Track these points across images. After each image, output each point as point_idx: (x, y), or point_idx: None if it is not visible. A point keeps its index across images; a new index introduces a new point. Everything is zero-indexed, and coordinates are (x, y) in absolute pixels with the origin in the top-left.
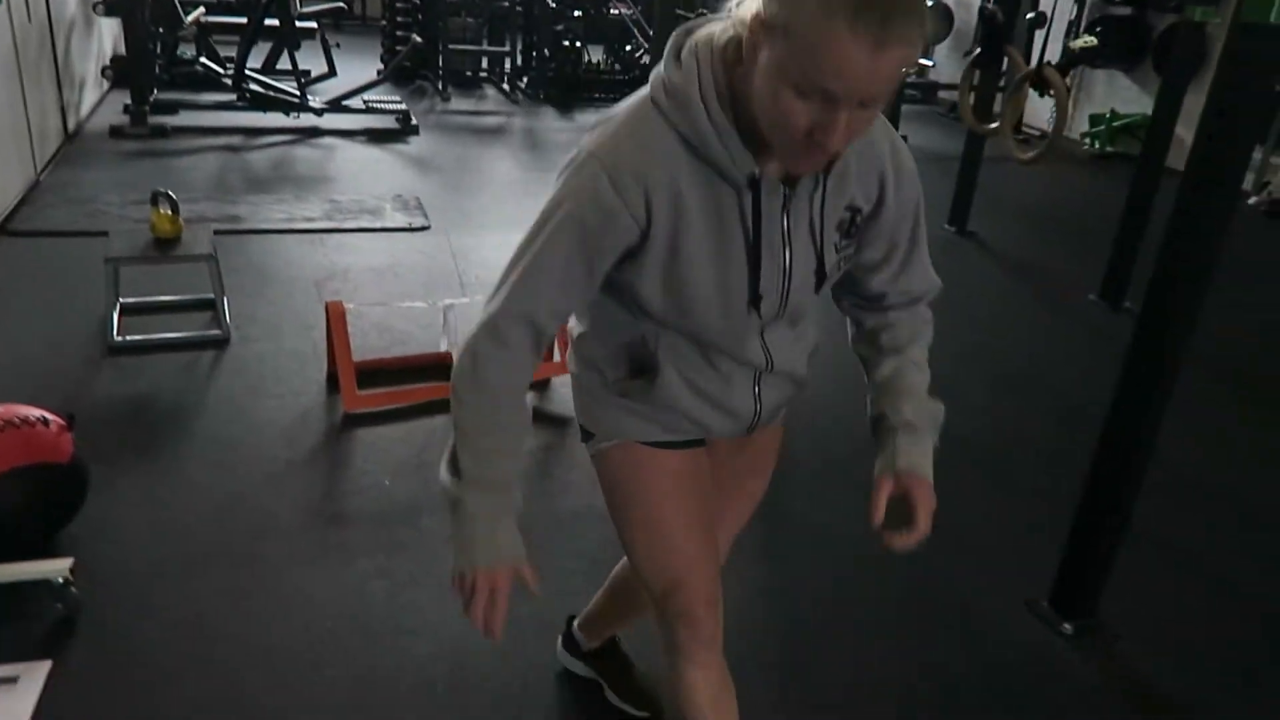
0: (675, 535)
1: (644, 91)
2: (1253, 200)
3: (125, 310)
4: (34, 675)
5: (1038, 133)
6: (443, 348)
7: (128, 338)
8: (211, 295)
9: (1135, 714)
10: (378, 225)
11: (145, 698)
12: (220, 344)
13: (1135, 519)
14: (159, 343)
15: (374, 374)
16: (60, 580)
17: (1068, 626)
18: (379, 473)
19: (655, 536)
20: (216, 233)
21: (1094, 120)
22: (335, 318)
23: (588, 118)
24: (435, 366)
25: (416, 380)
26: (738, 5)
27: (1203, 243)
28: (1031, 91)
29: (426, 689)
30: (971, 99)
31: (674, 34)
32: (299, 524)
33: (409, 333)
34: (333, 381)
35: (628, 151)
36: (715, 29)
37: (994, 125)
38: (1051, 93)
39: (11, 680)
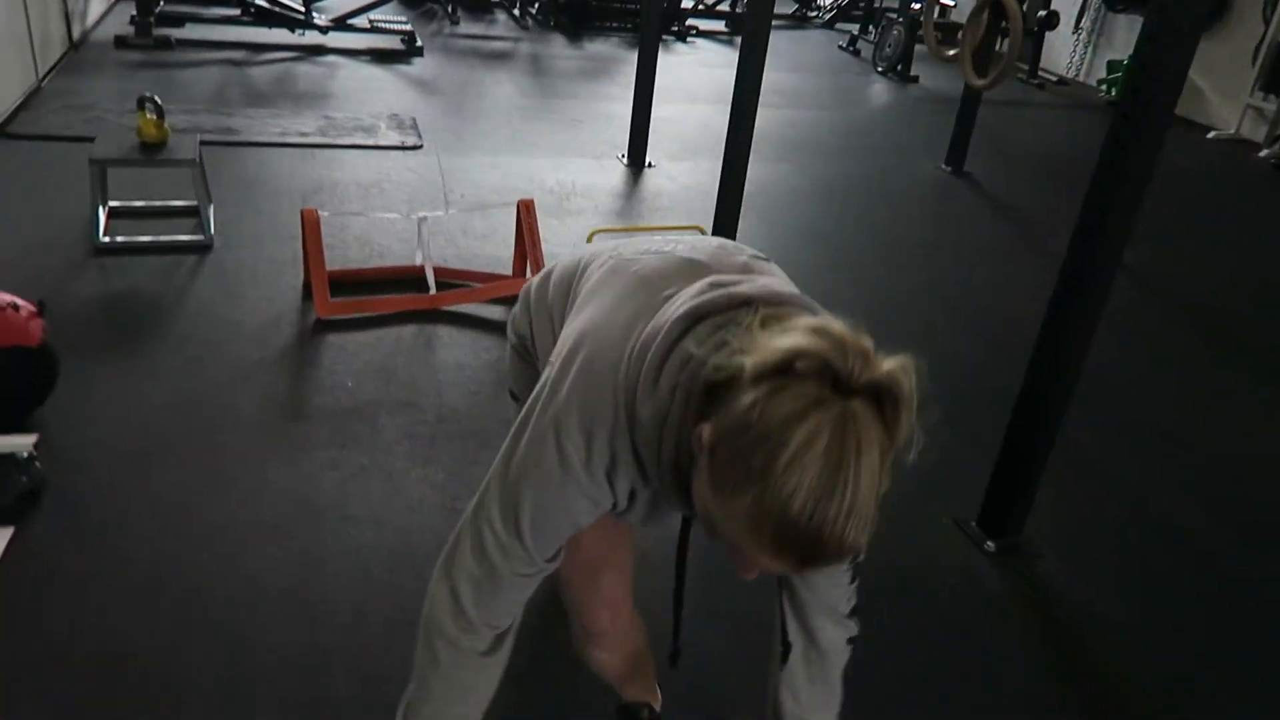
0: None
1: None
2: (1263, 153)
3: (113, 214)
4: None
5: (1055, 78)
6: (417, 261)
7: (115, 239)
8: (196, 202)
9: (1041, 624)
10: (370, 143)
11: (100, 566)
12: (203, 249)
13: (1076, 451)
14: (143, 245)
15: (348, 284)
16: (25, 454)
17: (991, 545)
18: (344, 374)
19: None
20: (211, 144)
21: (1111, 67)
22: (310, 225)
23: (597, 46)
24: (407, 279)
25: (389, 291)
26: (732, 356)
27: (1131, 172)
28: (1050, 36)
29: (364, 573)
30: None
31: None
32: (261, 419)
33: (387, 246)
34: (308, 289)
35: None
36: (701, 359)
37: (953, 51)
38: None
39: None
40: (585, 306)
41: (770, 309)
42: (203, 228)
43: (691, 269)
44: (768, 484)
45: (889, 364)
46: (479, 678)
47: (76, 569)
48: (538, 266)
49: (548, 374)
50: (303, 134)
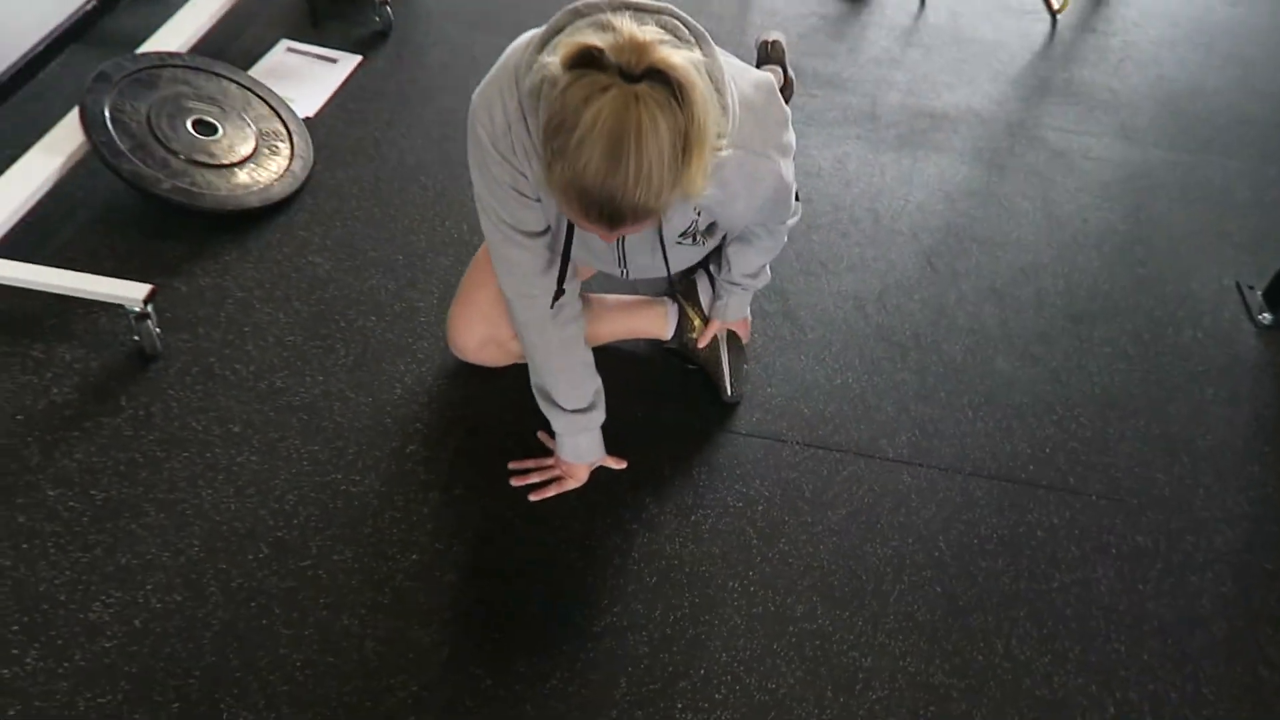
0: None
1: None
2: None
3: None
4: (348, 63)
5: None
6: None
7: None
8: None
9: None
10: None
11: (419, 97)
12: None
13: None
14: None
15: None
16: (379, 2)
17: (1267, 317)
18: None
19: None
20: None
21: None
22: None
23: None
24: None
25: None
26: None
27: None
28: None
29: None
30: None
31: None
32: None
33: None
34: None
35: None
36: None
37: None
38: None
39: (331, 60)
40: None
41: (632, 10)
42: None
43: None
44: (566, 160)
45: (674, 54)
46: (552, 334)
47: (403, 97)
48: None
49: None
50: None
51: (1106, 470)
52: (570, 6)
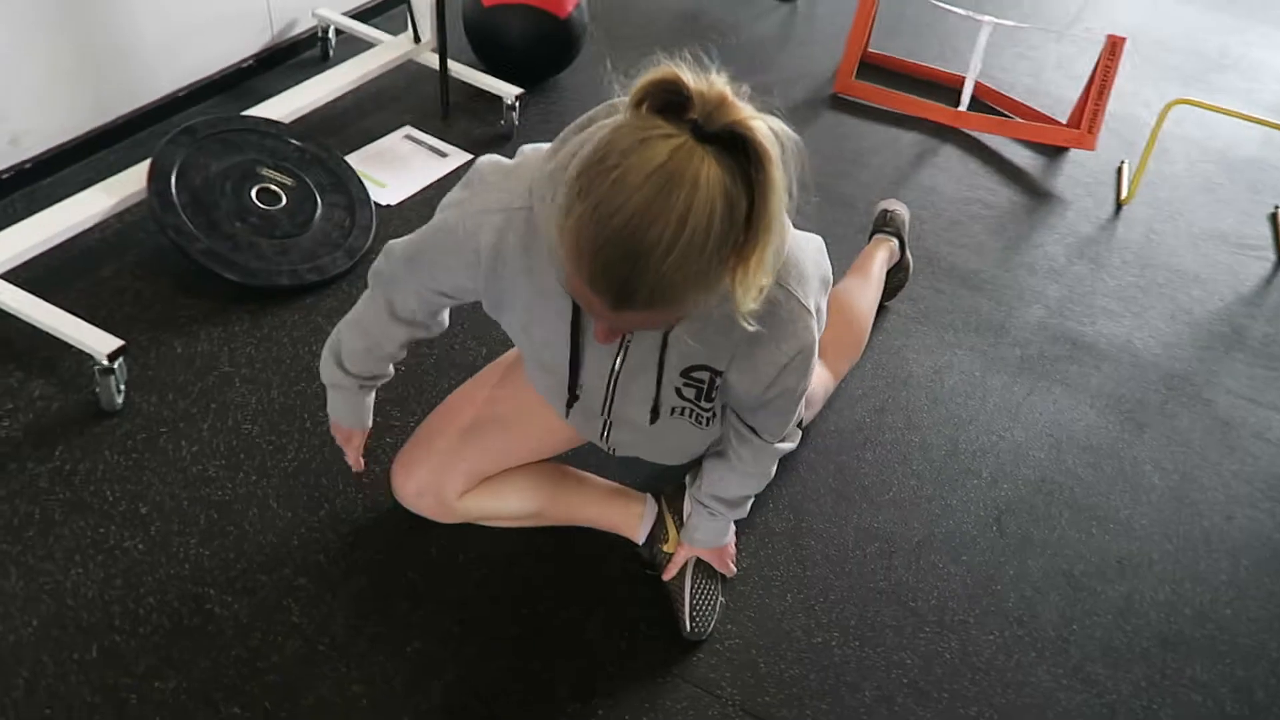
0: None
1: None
2: None
3: None
4: (456, 159)
5: None
6: (969, 73)
7: None
8: None
9: None
10: None
11: None
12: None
13: None
14: None
15: (883, 70)
16: (511, 100)
17: None
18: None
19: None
20: None
21: None
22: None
23: None
24: (942, 85)
25: (917, 92)
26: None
27: None
28: None
29: None
30: None
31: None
32: None
33: (940, 38)
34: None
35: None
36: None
37: None
38: None
39: (442, 154)
40: None
41: None
42: None
43: None
44: (594, 198)
45: (757, 119)
46: (378, 333)
47: None
48: (1095, 122)
49: None
50: None
51: None
52: (608, 103)
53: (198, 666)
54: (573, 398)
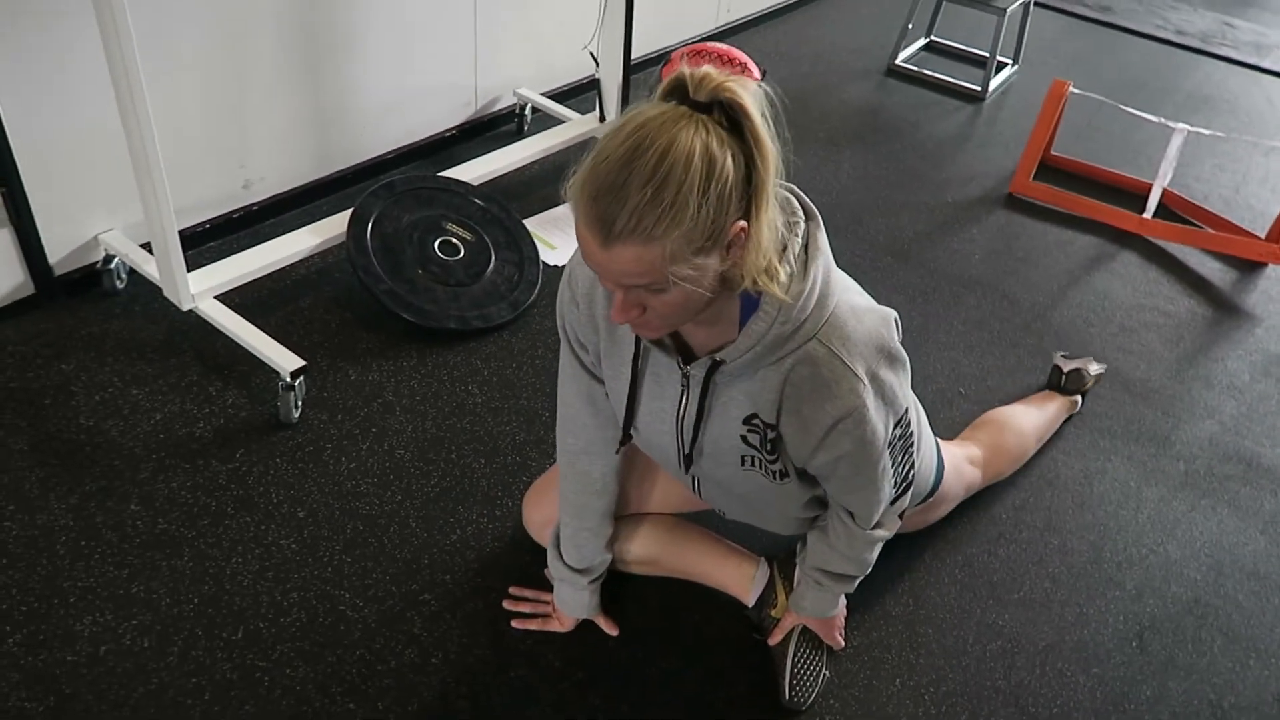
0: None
1: None
2: None
3: (925, 48)
4: None
5: None
6: (1157, 180)
7: (906, 64)
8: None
9: None
10: (1253, 62)
11: None
12: (974, 99)
13: None
14: (924, 77)
15: (1063, 172)
16: None
17: None
18: (978, 248)
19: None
20: (1070, 14)
21: None
22: (1052, 97)
23: None
24: (1126, 191)
25: (1098, 196)
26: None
27: None
28: None
29: None
30: None
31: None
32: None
33: (1132, 146)
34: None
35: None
36: None
37: None
38: None
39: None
40: None
41: None
42: (985, 79)
43: None
44: (595, 150)
45: (742, 88)
46: (577, 491)
47: None
48: None
49: None
50: (1181, 33)
51: None
52: None
53: (324, 660)
54: (626, 436)
